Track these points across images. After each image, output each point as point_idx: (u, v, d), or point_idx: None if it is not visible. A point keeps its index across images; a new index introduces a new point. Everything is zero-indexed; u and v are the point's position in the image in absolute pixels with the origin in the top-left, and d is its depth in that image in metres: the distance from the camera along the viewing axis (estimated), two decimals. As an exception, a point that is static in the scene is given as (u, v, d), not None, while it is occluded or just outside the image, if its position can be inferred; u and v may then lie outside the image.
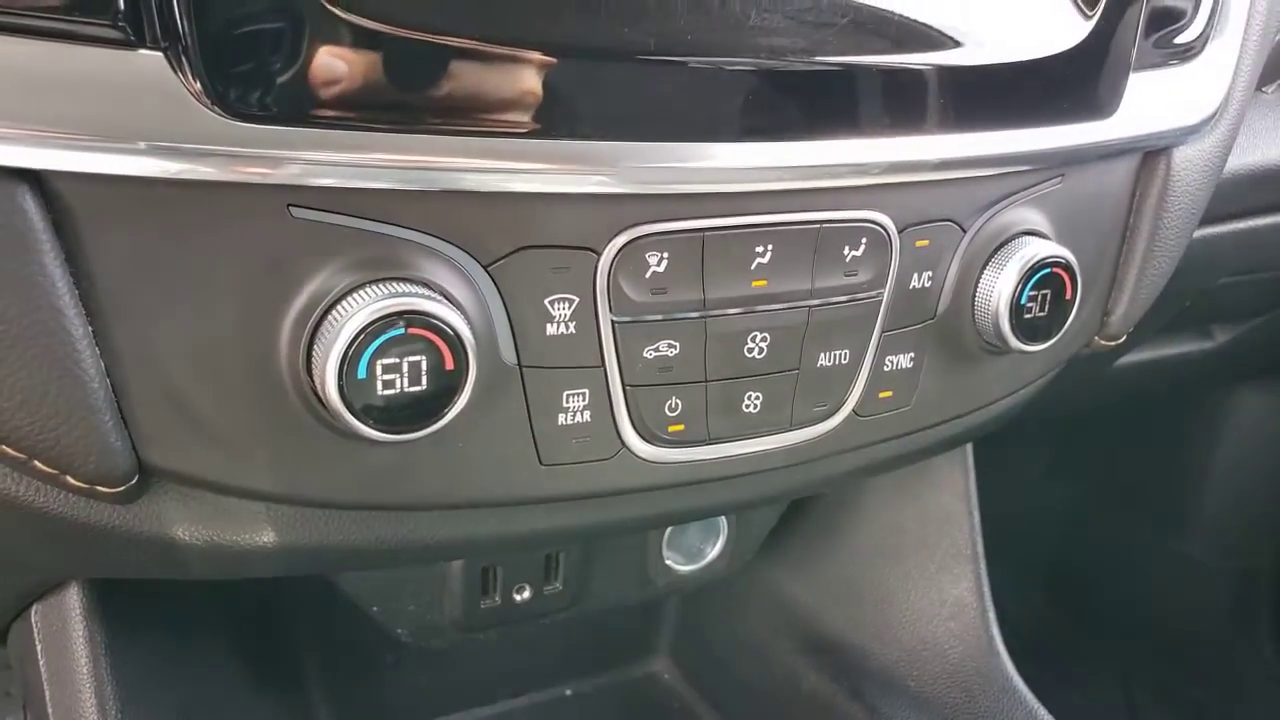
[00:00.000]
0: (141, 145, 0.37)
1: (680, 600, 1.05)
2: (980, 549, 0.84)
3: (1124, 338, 0.69)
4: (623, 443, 0.50)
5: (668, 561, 0.77)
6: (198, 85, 0.37)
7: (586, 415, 0.49)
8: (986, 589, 0.83)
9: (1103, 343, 0.68)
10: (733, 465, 0.54)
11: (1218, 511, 1.47)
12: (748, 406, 0.52)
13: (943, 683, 0.82)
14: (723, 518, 0.77)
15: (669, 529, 0.76)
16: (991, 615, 0.83)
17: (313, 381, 0.42)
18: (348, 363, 0.41)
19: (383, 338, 0.41)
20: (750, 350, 0.51)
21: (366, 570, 0.65)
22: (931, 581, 0.85)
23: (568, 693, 1.02)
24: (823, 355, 0.53)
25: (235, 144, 0.38)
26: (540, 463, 0.49)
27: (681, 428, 0.51)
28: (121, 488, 0.43)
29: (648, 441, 0.51)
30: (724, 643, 1.00)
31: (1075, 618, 1.57)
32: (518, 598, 0.70)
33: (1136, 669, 1.49)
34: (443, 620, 0.68)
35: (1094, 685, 1.47)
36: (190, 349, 0.42)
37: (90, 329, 0.40)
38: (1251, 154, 0.85)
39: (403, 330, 0.41)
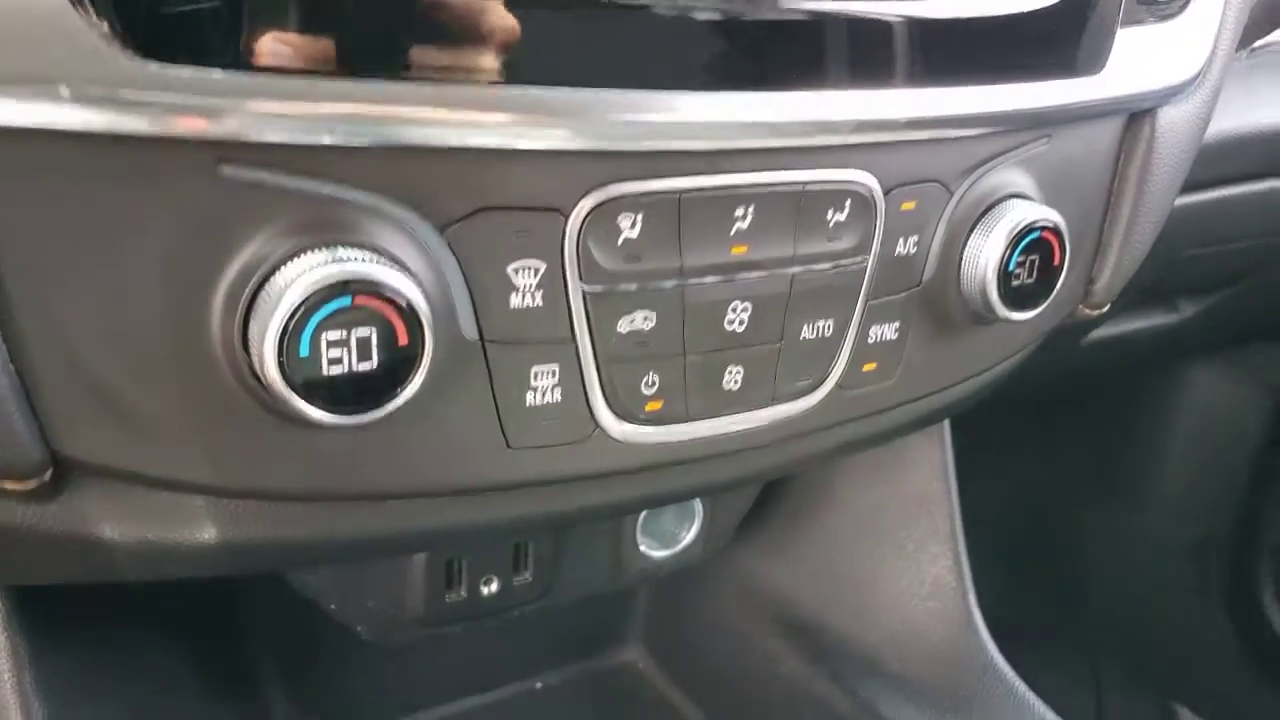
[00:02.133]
0: (44, 92, 0.32)
1: (652, 587, 1.02)
2: (959, 528, 0.82)
3: (1107, 307, 0.67)
4: (597, 423, 0.47)
5: (642, 548, 0.74)
6: (105, 25, 0.32)
7: (557, 394, 0.45)
8: (966, 568, 0.81)
9: (1086, 312, 0.66)
10: (713, 445, 0.51)
11: (1175, 486, 1.49)
12: (729, 382, 0.49)
13: (924, 663, 0.80)
14: (698, 501, 0.74)
15: (643, 514, 0.72)
16: (971, 595, 0.81)
17: (250, 360, 0.38)
18: (288, 338, 0.36)
19: (327, 309, 0.37)
20: (731, 322, 0.48)
21: (319, 566, 0.60)
22: (910, 561, 0.83)
23: (538, 685, 0.99)
24: (806, 326, 0.50)
25: (154, 91, 0.33)
26: (508, 446, 0.45)
27: (659, 405, 0.48)
28: (33, 483, 0.39)
29: (624, 421, 0.47)
30: (698, 630, 0.98)
31: (1040, 595, 1.58)
32: (485, 590, 0.66)
33: (1100, 644, 1.50)
34: (405, 616, 0.64)
35: (1060, 662, 1.48)
36: (106, 327, 0.37)
37: None
38: (1222, 121, 0.84)
39: (349, 301, 0.37)
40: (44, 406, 0.38)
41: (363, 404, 0.38)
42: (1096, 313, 0.67)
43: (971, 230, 0.54)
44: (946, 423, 0.83)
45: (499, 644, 0.96)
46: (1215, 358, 1.44)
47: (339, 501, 0.46)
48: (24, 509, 0.42)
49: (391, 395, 0.39)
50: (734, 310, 0.48)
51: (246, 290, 0.37)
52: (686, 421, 0.49)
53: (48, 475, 0.39)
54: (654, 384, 0.47)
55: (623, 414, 0.47)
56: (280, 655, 0.85)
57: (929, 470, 0.82)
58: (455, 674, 0.95)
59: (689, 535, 0.75)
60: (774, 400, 0.51)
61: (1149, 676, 1.47)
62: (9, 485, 0.39)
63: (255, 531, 0.45)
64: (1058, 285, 0.56)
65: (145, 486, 0.42)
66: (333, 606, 0.64)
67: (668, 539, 0.75)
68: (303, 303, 0.36)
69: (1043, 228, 0.54)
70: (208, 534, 0.45)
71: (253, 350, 0.37)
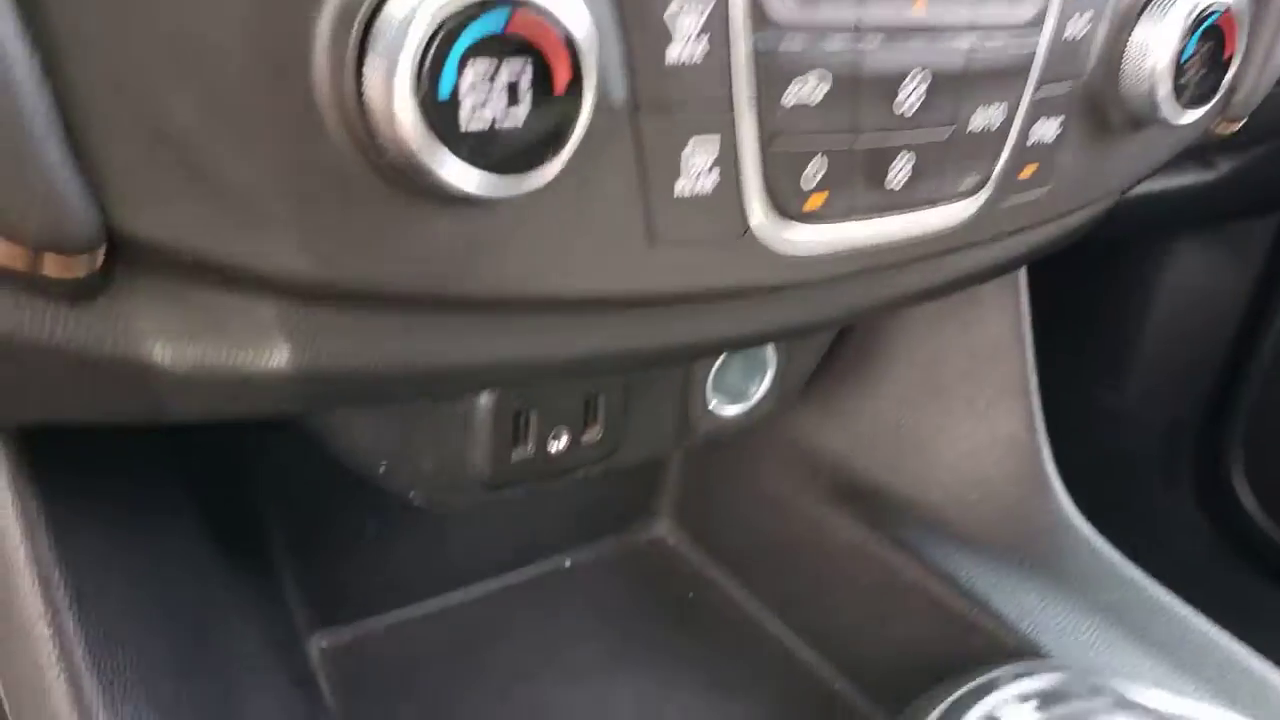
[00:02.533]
0: None
1: (680, 460, 0.96)
2: (1034, 381, 0.77)
3: (1241, 124, 0.61)
4: (751, 219, 0.39)
5: (711, 405, 0.67)
6: None
7: (711, 179, 0.37)
8: (1041, 424, 0.77)
9: (1224, 127, 0.60)
10: (870, 256, 0.43)
11: (1150, 362, 1.48)
12: (893, 177, 0.42)
13: (995, 525, 0.76)
14: (770, 349, 0.67)
15: (715, 366, 0.65)
16: (1046, 451, 0.76)
17: (365, 108, 0.29)
18: (424, 74, 0.27)
19: (471, 34, 0.28)
20: (902, 102, 0.40)
21: (401, 403, 0.52)
22: (981, 418, 0.77)
23: (567, 564, 0.94)
24: (977, 112, 0.43)
25: None
26: (650, 243, 0.37)
27: (820, 201, 0.40)
28: (81, 262, 0.29)
29: (780, 218, 0.40)
30: (734, 501, 0.92)
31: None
32: (553, 447, 0.58)
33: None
34: (467, 476, 0.57)
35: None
36: (176, 59, 0.28)
37: (17, 19, 0.26)
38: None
39: (503, 22, 0.28)
40: (95, 158, 0.28)
41: (509, 168, 0.30)
42: (1232, 128, 0.60)
43: (1141, 12, 0.47)
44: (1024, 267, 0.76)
45: (523, 523, 0.90)
46: (1203, 234, 1.41)
47: (446, 314, 0.37)
48: (56, 320, 0.32)
49: (549, 155, 0.30)
50: (908, 85, 0.40)
51: (361, 10, 0.28)
52: (847, 221, 0.41)
53: (99, 258, 0.30)
54: (817, 174, 0.39)
55: (780, 209, 0.39)
56: (301, 534, 0.77)
57: (1003, 317, 0.76)
58: (481, 554, 0.89)
59: (760, 389, 0.68)
60: (935, 201, 0.44)
61: (1120, 552, 1.48)
62: (50, 270, 0.29)
63: (339, 353, 0.36)
64: (1225, 82, 0.50)
65: (217, 281, 0.33)
66: (382, 470, 0.56)
67: (736, 394, 0.68)
68: (441, 25, 0.27)
69: (1219, 11, 0.47)
70: (278, 357, 0.36)
71: (371, 93, 0.28)
